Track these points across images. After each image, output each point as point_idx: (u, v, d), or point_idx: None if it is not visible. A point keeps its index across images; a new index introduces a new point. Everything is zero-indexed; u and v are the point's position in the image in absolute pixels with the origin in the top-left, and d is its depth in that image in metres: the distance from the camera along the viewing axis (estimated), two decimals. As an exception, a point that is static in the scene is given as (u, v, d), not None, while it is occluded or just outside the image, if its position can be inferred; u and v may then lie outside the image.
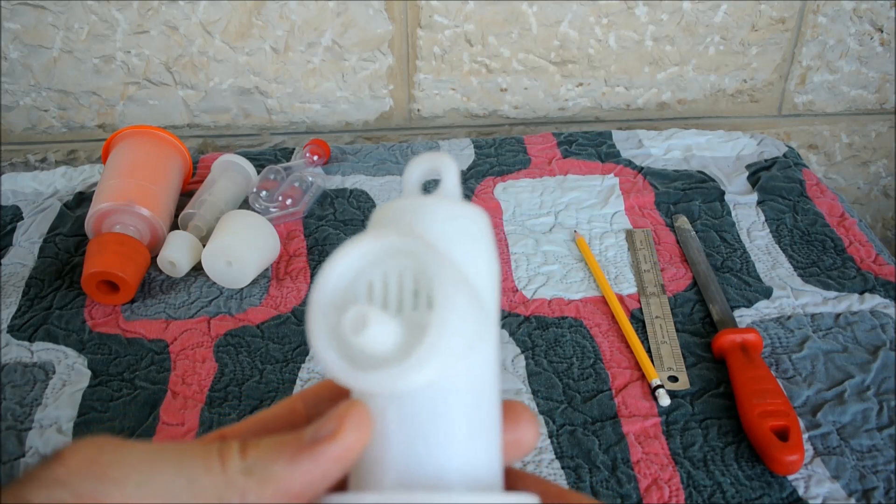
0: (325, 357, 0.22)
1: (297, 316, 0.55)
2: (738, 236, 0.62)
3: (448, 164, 0.26)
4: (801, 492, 0.44)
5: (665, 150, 0.72)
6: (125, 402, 0.49)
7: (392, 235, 0.23)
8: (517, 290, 0.57)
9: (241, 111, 0.77)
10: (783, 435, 0.46)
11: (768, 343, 0.53)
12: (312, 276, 0.59)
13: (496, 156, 0.71)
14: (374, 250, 0.23)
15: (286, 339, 0.54)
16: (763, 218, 0.64)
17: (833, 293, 0.57)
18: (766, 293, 0.57)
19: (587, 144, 0.72)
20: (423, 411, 0.23)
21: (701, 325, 0.54)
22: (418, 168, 0.26)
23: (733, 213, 0.64)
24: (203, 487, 0.21)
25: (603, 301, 0.56)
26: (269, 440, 0.22)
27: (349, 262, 0.23)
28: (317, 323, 0.22)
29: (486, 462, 0.23)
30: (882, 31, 0.78)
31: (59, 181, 0.68)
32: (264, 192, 0.64)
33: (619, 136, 0.74)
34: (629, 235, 0.62)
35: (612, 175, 0.69)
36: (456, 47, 0.75)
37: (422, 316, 0.22)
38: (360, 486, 0.23)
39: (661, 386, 0.50)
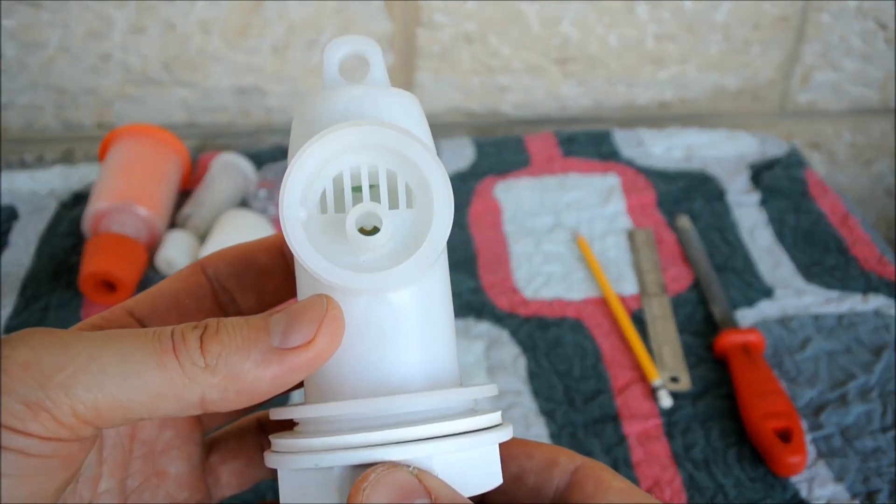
0: (310, 259, 0.21)
1: (296, 316, 0.55)
2: (740, 236, 0.62)
3: (373, 47, 0.25)
4: (803, 493, 0.43)
5: (666, 149, 0.72)
6: (122, 403, 0.49)
7: (374, 125, 0.22)
8: (517, 291, 0.57)
9: (239, 110, 0.76)
10: (785, 436, 0.45)
11: (770, 343, 0.52)
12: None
13: (496, 155, 0.71)
14: (349, 142, 0.22)
15: (284, 339, 0.53)
16: (765, 217, 0.64)
17: (836, 293, 0.56)
18: (768, 293, 0.56)
19: (588, 143, 0.72)
20: (391, 314, 0.22)
21: (702, 326, 0.54)
22: (338, 52, 0.25)
23: (735, 213, 0.64)
24: (159, 385, 0.20)
25: (604, 301, 0.56)
26: (230, 334, 0.21)
27: (320, 155, 0.22)
28: (293, 224, 0.21)
29: (449, 365, 0.23)
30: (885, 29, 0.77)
31: (56, 180, 0.68)
32: (263, 192, 0.63)
33: (620, 136, 0.73)
34: (630, 235, 0.62)
35: (613, 174, 0.68)
36: (456, 46, 0.75)
37: (417, 211, 0.22)
38: (320, 394, 0.23)
39: (663, 387, 0.49)
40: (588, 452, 0.46)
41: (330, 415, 0.22)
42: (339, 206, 0.22)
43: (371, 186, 0.22)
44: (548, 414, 0.48)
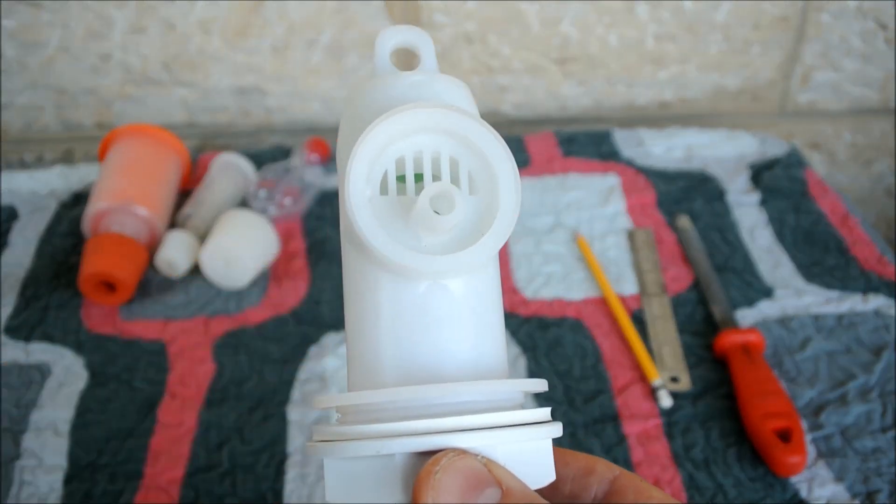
0: (377, 238, 0.21)
1: (296, 316, 0.55)
2: (740, 236, 0.62)
3: (424, 38, 0.25)
4: (803, 494, 0.43)
5: (666, 149, 0.72)
6: (123, 403, 0.49)
7: (445, 108, 0.21)
8: (517, 291, 0.57)
9: (239, 110, 0.76)
10: (785, 436, 0.45)
11: (770, 343, 0.52)
12: (311, 275, 0.58)
13: (496, 155, 0.71)
14: (416, 123, 0.22)
15: (285, 339, 0.53)
16: (765, 217, 0.64)
17: (836, 293, 0.56)
18: (768, 293, 0.56)
19: (588, 143, 0.72)
20: (448, 302, 0.22)
21: (702, 326, 0.54)
22: (390, 41, 0.25)
23: (735, 213, 0.64)
24: None
25: (604, 301, 0.56)
26: None
27: (387, 134, 0.21)
28: (359, 202, 0.21)
29: (499, 357, 0.23)
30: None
31: (56, 180, 0.68)
32: (263, 192, 0.63)
33: (620, 136, 0.73)
34: (630, 235, 0.62)
35: (613, 174, 0.68)
36: (456, 46, 0.75)
37: (480, 198, 0.22)
38: (368, 381, 0.22)
39: (663, 387, 0.49)
40: (588, 452, 0.46)
41: (386, 400, 0.21)
42: (399, 191, 0.22)
43: (432, 176, 0.22)
44: (548, 414, 0.48)
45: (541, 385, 0.23)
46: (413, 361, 0.22)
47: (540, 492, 0.23)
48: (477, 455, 0.20)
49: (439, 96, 0.24)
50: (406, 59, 0.26)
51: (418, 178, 0.22)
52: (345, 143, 0.24)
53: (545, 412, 0.23)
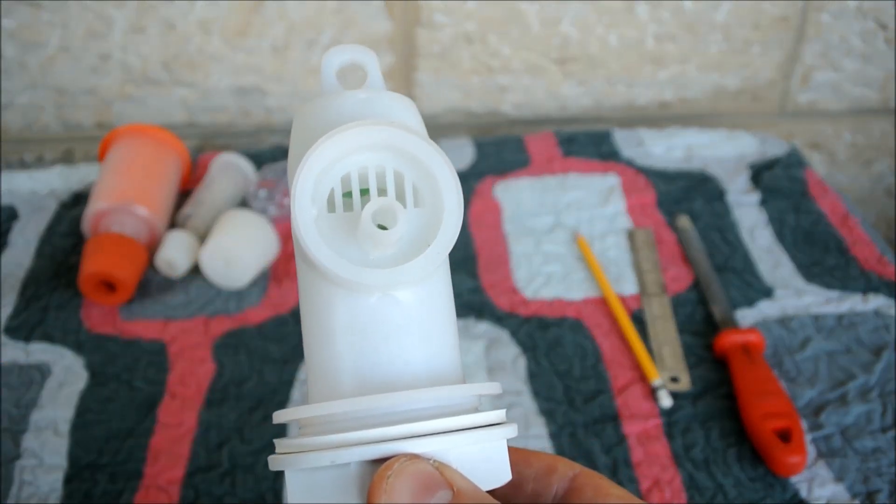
0: (323, 255, 0.21)
1: (297, 316, 0.55)
2: (740, 236, 0.62)
3: (369, 56, 0.25)
4: (803, 494, 0.43)
5: (666, 149, 0.72)
6: (123, 403, 0.49)
7: (385, 125, 0.22)
8: (517, 291, 0.57)
9: (239, 110, 0.76)
10: (785, 436, 0.45)
11: (770, 343, 0.52)
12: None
13: (496, 155, 0.71)
14: (358, 141, 0.22)
15: (285, 339, 0.53)
16: (765, 217, 0.64)
17: (836, 293, 0.56)
18: (768, 293, 0.56)
19: (588, 143, 0.72)
20: (399, 313, 0.23)
21: (702, 326, 0.54)
22: (336, 60, 0.25)
23: (735, 213, 0.64)
24: None
25: (604, 301, 0.56)
26: None
27: (330, 154, 0.22)
28: (305, 221, 0.22)
29: (453, 364, 0.24)
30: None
31: (56, 180, 0.67)
32: (263, 192, 0.63)
33: (620, 136, 0.73)
34: (630, 235, 0.62)
35: (613, 174, 0.68)
36: (456, 46, 0.75)
37: (425, 210, 0.22)
38: (324, 394, 0.23)
39: (663, 387, 0.49)
40: (588, 452, 0.46)
41: (341, 412, 0.22)
42: (346, 207, 0.23)
43: (378, 190, 0.23)
44: (548, 414, 0.48)
45: (494, 388, 0.24)
46: (369, 372, 0.22)
47: (501, 491, 0.23)
48: (429, 459, 0.21)
49: (385, 113, 0.24)
50: (352, 77, 0.27)
51: (364, 192, 0.23)
52: (293, 162, 0.25)
53: (499, 414, 0.23)
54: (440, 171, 0.22)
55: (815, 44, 0.78)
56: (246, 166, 0.65)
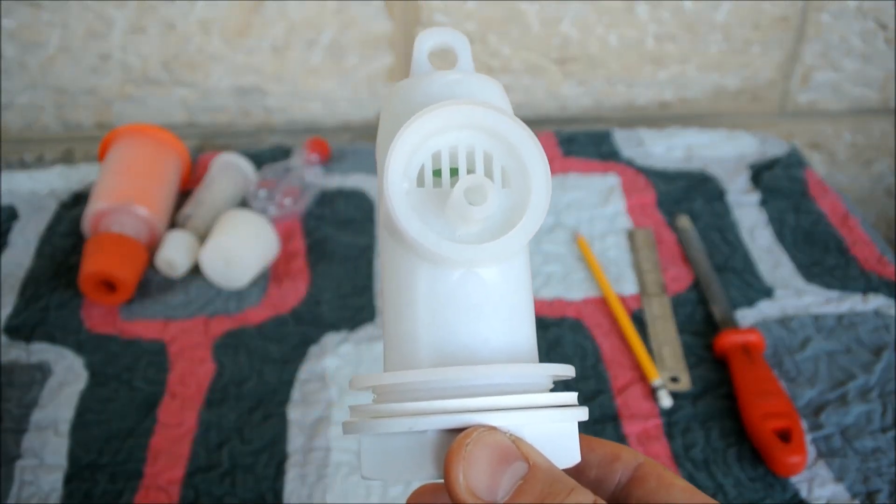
0: (414, 228, 0.22)
1: (296, 316, 0.55)
2: (740, 236, 0.62)
3: (460, 39, 0.26)
4: (803, 494, 0.43)
5: (666, 149, 0.72)
6: (123, 403, 0.49)
7: (479, 105, 0.23)
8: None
9: (239, 110, 0.76)
10: (785, 436, 0.45)
11: (770, 343, 0.52)
12: (311, 275, 0.58)
13: (496, 155, 0.71)
14: (451, 120, 0.23)
15: (285, 339, 0.53)
16: (765, 217, 0.64)
17: (836, 293, 0.56)
18: (768, 293, 0.56)
19: (588, 143, 0.72)
20: (482, 289, 0.23)
21: (702, 326, 0.54)
22: (428, 42, 0.26)
23: (735, 213, 0.64)
24: None
25: (604, 301, 0.56)
26: None
27: (423, 130, 0.23)
28: (397, 194, 0.22)
29: (529, 343, 0.24)
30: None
31: (56, 180, 0.67)
32: (263, 192, 0.63)
33: (620, 136, 0.73)
34: (630, 235, 0.62)
35: (613, 174, 0.68)
36: (456, 46, 0.74)
37: (512, 192, 0.23)
38: (404, 363, 0.23)
39: (663, 387, 0.49)
40: (588, 452, 0.46)
41: (420, 381, 0.22)
42: (434, 184, 0.23)
43: (466, 170, 0.23)
44: (548, 414, 0.48)
45: (568, 370, 0.24)
46: (447, 345, 0.23)
47: (566, 473, 0.23)
48: (506, 432, 0.21)
49: (475, 94, 0.25)
50: (439, 61, 0.27)
51: (453, 172, 0.23)
52: (383, 139, 0.25)
53: (572, 396, 0.23)
54: (530, 154, 0.23)
55: (815, 44, 0.78)
56: (246, 166, 0.65)
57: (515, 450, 0.21)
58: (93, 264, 0.54)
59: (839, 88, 0.81)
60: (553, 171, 0.69)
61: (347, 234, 0.62)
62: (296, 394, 0.50)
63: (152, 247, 0.59)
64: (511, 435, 0.21)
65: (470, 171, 0.23)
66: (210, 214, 0.61)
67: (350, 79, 0.76)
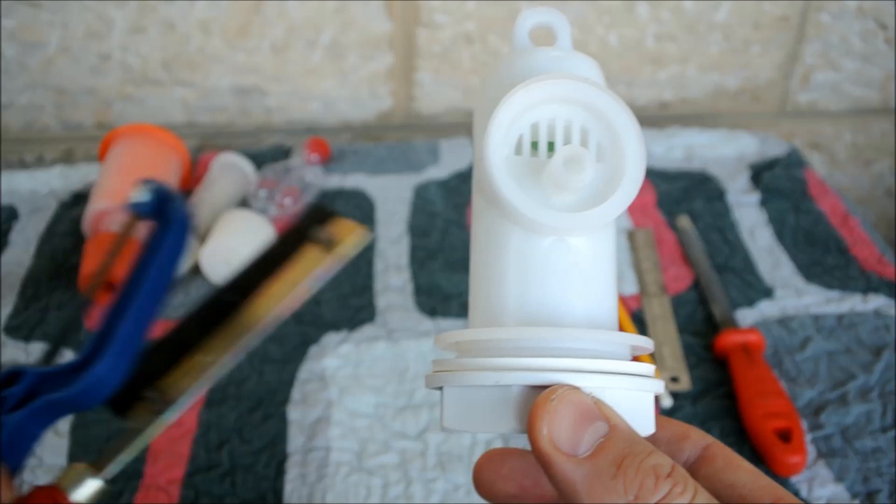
0: (512, 193, 0.23)
1: (296, 316, 0.55)
2: (740, 236, 0.62)
3: (560, 18, 0.27)
4: (804, 493, 0.43)
5: (666, 149, 0.72)
6: (122, 403, 0.49)
7: (580, 80, 0.23)
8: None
9: (239, 110, 0.76)
10: (785, 436, 0.45)
11: (770, 343, 0.52)
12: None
13: (496, 155, 0.71)
14: (552, 93, 0.23)
15: (285, 339, 0.53)
16: (765, 217, 0.64)
17: (836, 293, 0.56)
18: (768, 293, 0.56)
19: (588, 143, 0.72)
20: (571, 258, 0.24)
21: (702, 326, 0.54)
22: (529, 21, 0.27)
23: (735, 213, 0.64)
24: None
25: (604, 301, 0.56)
26: None
27: (525, 101, 0.23)
28: (497, 158, 0.23)
29: (612, 314, 0.25)
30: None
31: (56, 180, 0.67)
32: (263, 192, 0.63)
33: (620, 135, 0.73)
34: (630, 235, 0.62)
35: (613, 174, 0.68)
36: (456, 46, 0.75)
37: (606, 166, 0.24)
38: (489, 321, 0.24)
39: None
40: (588, 452, 0.46)
41: (508, 338, 0.23)
42: (531, 154, 0.24)
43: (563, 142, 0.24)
44: (548, 414, 0.48)
45: (648, 344, 0.24)
46: (533, 308, 0.24)
47: None
48: (588, 394, 0.22)
49: (575, 70, 0.25)
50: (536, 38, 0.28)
51: (548, 146, 0.24)
52: (483, 108, 0.26)
53: (651, 368, 0.24)
54: (626, 130, 0.24)
55: (815, 44, 0.78)
56: (246, 166, 0.65)
57: (597, 410, 0.22)
58: (93, 264, 0.54)
59: (839, 88, 0.81)
60: (553, 171, 0.69)
61: (347, 234, 0.62)
62: (296, 394, 0.50)
63: (152, 247, 0.59)
64: (593, 396, 0.22)
65: (566, 143, 0.24)
66: (210, 214, 0.61)
67: (350, 79, 0.76)
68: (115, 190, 0.59)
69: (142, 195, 0.34)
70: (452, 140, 0.74)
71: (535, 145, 0.24)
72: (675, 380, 0.50)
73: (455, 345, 0.25)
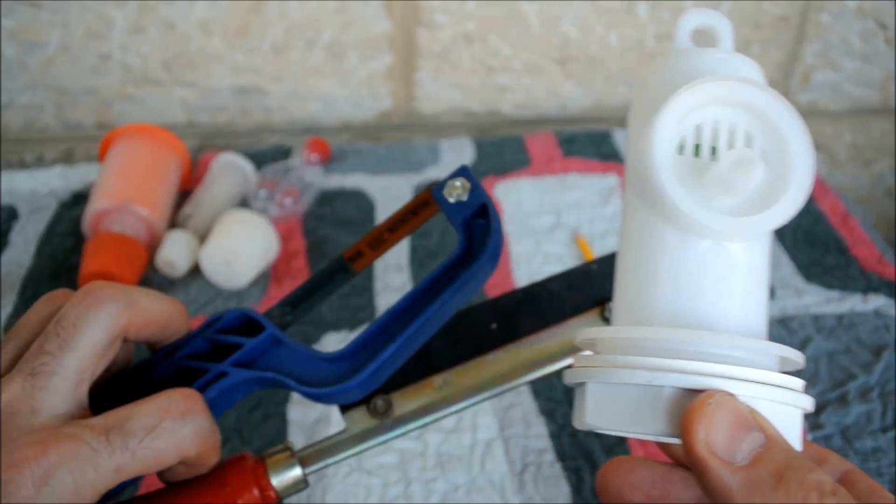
0: (676, 194, 0.22)
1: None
2: (741, 236, 0.62)
3: (723, 21, 0.26)
4: (804, 494, 0.43)
5: (666, 149, 0.72)
6: (122, 403, 0.49)
7: (748, 84, 0.23)
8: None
9: (239, 110, 0.76)
10: (786, 436, 0.45)
11: (771, 344, 0.52)
12: (311, 275, 0.58)
13: (497, 155, 0.71)
14: (719, 94, 0.23)
15: (284, 339, 0.53)
16: (765, 217, 0.64)
17: (836, 293, 0.56)
18: (769, 293, 0.56)
19: (588, 143, 0.72)
20: (727, 263, 0.24)
21: (703, 326, 0.54)
22: (692, 21, 0.27)
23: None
24: None
25: (604, 301, 0.56)
26: None
27: (692, 101, 0.23)
28: (662, 158, 0.23)
29: (762, 324, 0.24)
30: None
31: (56, 180, 0.67)
32: (263, 192, 0.63)
33: (620, 136, 0.73)
34: (630, 235, 0.62)
35: (613, 174, 0.68)
36: (456, 46, 0.75)
37: (772, 172, 0.23)
38: (638, 320, 0.24)
39: (663, 387, 0.49)
40: (588, 452, 0.46)
41: (662, 339, 0.23)
42: (694, 155, 0.24)
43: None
44: (548, 414, 0.48)
45: (799, 358, 0.24)
46: (684, 311, 0.23)
47: None
48: (743, 402, 0.22)
49: (739, 73, 0.25)
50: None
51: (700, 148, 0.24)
52: (643, 105, 0.26)
53: (801, 383, 0.23)
54: (794, 137, 0.23)
55: (815, 44, 0.78)
56: (246, 166, 0.65)
57: (754, 420, 0.21)
58: (93, 264, 0.54)
59: (839, 88, 0.81)
60: (553, 171, 0.69)
61: (347, 234, 0.62)
62: (295, 394, 0.50)
63: (152, 247, 0.59)
64: (748, 406, 0.22)
65: (731, 148, 0.23)
66: (210, 214, 0.61)
67: (350, 79, 0.76)
68: (115, 190, 0.59)
69: (459, 192, 0.29)
70: (452, 140, 0.74)
71: (696, 148, 0.24)
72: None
73: (595, 342, 0.25)
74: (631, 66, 0.77)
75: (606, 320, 0.33)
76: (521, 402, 0.49)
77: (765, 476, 0.21)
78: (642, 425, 0.22)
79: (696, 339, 0.22)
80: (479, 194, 0.29)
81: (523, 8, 0.73)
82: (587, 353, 0.25)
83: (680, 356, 0.22)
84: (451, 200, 0.30)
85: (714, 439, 0.21)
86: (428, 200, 0.30)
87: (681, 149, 0.24)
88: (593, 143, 0.72)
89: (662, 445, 0.28)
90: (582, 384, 0.24)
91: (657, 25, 0.75)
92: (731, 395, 0.22)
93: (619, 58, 0.77)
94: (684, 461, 0.27)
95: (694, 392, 0.22)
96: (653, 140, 0.23)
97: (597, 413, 0.23)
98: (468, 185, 0.29)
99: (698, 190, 0.23)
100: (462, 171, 0.30)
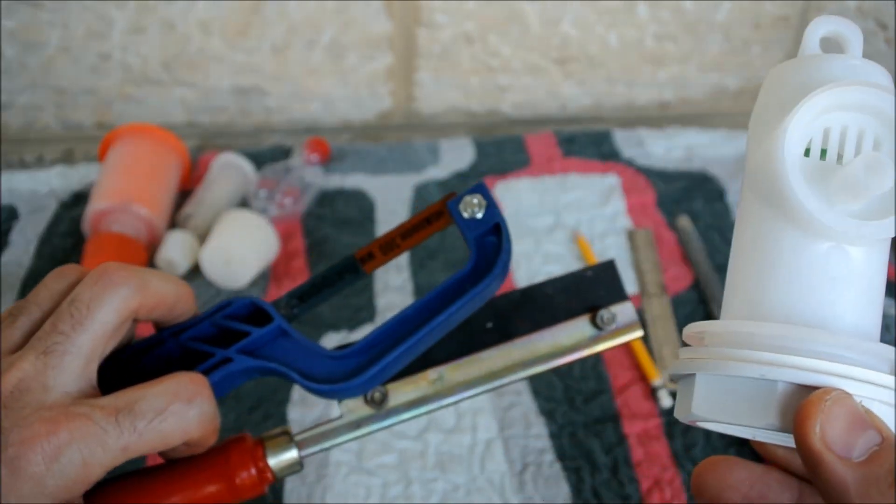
0: (806, 196, 0.23)
1: (296, 316, 0.55)
2: (741, 236, 0.62)
3: (853, 29, 0.27)
4: (804, 494, 0.43)
5: (666, 149, 0.72)
6: (122, 403, 0.49)
7: (883, 91, 0.23)
8: (517, 290, 0.57)
9: (239, 110, 0.76)
10: (786, 436, 0.45)
11: (771, 343, 0.52)
12: (311, 276, 0.58)
13: (496, 155, 0.71)
14: (854, 99, 0.23)
15: (284, 339, 0.53)
16: (765, 217, 0.64)
17: (836, 293, 0.56)
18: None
19: (588, 144, 0.72)
20: (846, 265, 0.24)
21: (703, 326, 0.54)
22: (822, 28, 0.27)
23: (735, 213, 0.64)
24: None
25: (604, 301, 0.56)
26: None
27: (823, 104, 0.23)
28: (792, 160, 0.23)
29: (876, 330, 0.25)
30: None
31: (56, 180, 0.67)
32: (263, 192, 0.63)
33: (620, 136, 0.73)
34: (630, 235, 0.62)
35: (613, 174, 0.68)
36: (456, 46, 0.75)
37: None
38: (752, 314, 0.24)
39: (663, 386, 0.49)
40: (588, 452, 0.46)
41: (778, 335, 0.23)
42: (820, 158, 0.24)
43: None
44: (548, 414, 0.48)
45: None
46: (799, 309, 0.24)
47: None
48: (858, 402, 0.22)
49: (871, 80, 0.25)
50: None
51: (824, 153, 0.24)
52: (768, 106, 0.26)
53: None
54: None
55: (816, 44, 0.78)
56: (246, 166, 0.65)
57: (870, 420, 0.22)
58: (93, 264, 0.54)
59: (839, 88, 0.81)
60: (553, 171, 0.69)
61: (347, 234, 0.62)
62: (296, 394, 0.50)
63: (152, 247, 0.59)
64: (863, 405, 0.22)
65: (858, 153, 0.24)
66: (210, 214, 0.61)
67: (350, 79, 0.76)
68: (115, 190, 0.59)
69: (475, 209, 0.30)
70: (452, 140, 0.74)
71: (823, 152, 0.24)
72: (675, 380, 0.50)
73: (705, 335, 0.25)
74: (631, 66, 0.77)
75: (597, 326, 0.33)
76: (521, 402, 0.49)
77: (882, 474, 0.21)
78: (752, 418, 0.23)
79: (813, 338, 0.23)
80: (494, 213, 0.30)
81: (523, 8, 0.73)
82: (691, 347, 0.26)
83: (793, 353, 0.23)
84: (466, 216, 0.31)
85: (830, 434, 0.21)
86: (442, 212, 0.31)
87: (807, 151, 0.24)
88: (593, 143, 0.72)
89: (760, 446, 0.28)
90: (689, 376, 0.25)
91: (657, 25, 0.75)
92: (849, 393, 0.22)
93: (619, 58, 0.77)
94: (783, 462, 0.27)
95: (808, 389, 0.22)
96: (783, 141, 0.23)
97: (705, 404, 0.24)
98: (484, 202, 0.31)
99: (822, 192, 0.23)
100: (479, 188, 0.31)
